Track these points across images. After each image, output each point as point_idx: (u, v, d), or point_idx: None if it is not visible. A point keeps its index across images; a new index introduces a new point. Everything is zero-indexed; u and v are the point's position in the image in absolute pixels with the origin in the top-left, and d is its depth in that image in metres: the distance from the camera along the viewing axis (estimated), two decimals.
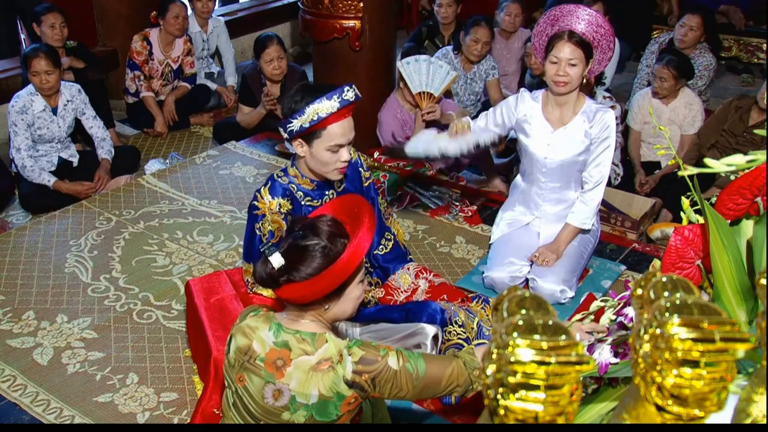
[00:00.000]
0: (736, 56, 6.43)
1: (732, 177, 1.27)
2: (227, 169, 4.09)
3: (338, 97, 2.15)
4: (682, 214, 1.34)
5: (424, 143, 2.84)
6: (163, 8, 4.67)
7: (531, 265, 2.95)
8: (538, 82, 4.01)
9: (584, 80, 2.77)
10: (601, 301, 1.38)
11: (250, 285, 2.42)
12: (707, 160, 1.07)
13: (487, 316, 2.53)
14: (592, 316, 1.42)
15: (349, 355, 1.57)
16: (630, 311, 1.19)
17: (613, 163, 3.76)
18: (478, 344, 2.28)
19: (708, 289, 1.25)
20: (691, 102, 4.07)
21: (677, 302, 0.73)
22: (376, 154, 3.93)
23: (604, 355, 1.18)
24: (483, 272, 3.02)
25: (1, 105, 4.35)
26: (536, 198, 2.99)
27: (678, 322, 0.70)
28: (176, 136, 4.82)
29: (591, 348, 1.22)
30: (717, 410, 0.73)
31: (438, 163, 3.74)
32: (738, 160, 1.05)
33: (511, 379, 0.70)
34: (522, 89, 2.97)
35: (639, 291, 0.83)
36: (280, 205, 2.29)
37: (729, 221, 1.20)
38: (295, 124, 2.15)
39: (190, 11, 5.09)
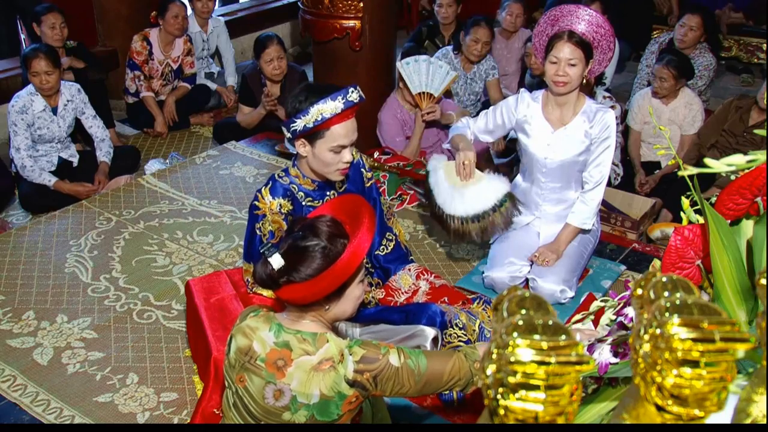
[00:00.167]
0: (736, 56, 6.43)
1: (732, 177, 1.27)
2: (227, 169, 4.09)
3: (343, 98, 2.15)
4: (682, 214, 1.34)
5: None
6: (162, 8, 4.68)
7: (531, 265, 2.95)
8: (538, 82, 4.01)
9: (584, 80, 2.77)
10: (601, 301, 1.38)
11: (250, 285, 2.42)
12: (707, 160, 1.07)
13: (489, 317, 2.52)
14: (592, 316, 1.42)
15: (350, 354, 1.57)
16: (630, 311, 1.19)
17: (613, 163, 3.76)
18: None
19: (708, 289, 1.25)
20: (691, 102, 4.07)
21: (677, 302, 0.73)
22: (376, 154, 3.93)
23: (604, 355, 1.18)
24: (483, 272, 3.02)
25: (1, 105, 4.35)
26: (536, 198, 2.99)
27: (678, 322, 0.70)
28: (176, 136, 4.82)
29: (591, 348, 1.21)
30: (717, 410, 0.73)
31: None
32: (738, 160, 1.05)
33: (511, 379, 0.70)
34: (522, 89, 2.97)
35: (639, 291, 0.83)
36: (280, 205, 2.29)
37: (729, 221, 1.20)
38: (299, 124, 2.15)
39: (190, 11, 5.10)
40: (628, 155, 4.25)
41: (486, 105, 4.51)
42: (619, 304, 1.31)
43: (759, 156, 1.05)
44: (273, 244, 1.64)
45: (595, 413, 1.11)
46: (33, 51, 3.70)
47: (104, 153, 4.05)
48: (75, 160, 4.05)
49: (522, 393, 0.70)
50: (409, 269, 2.67)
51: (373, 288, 2.61)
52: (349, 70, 3.94)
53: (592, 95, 3.47)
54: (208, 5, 5.13)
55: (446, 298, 2.61)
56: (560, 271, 2.86)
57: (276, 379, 1.58)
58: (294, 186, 2.35)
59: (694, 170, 1.06)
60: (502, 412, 0.72)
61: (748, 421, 0.73)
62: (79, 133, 4.17)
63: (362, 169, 2.55)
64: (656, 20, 6.49)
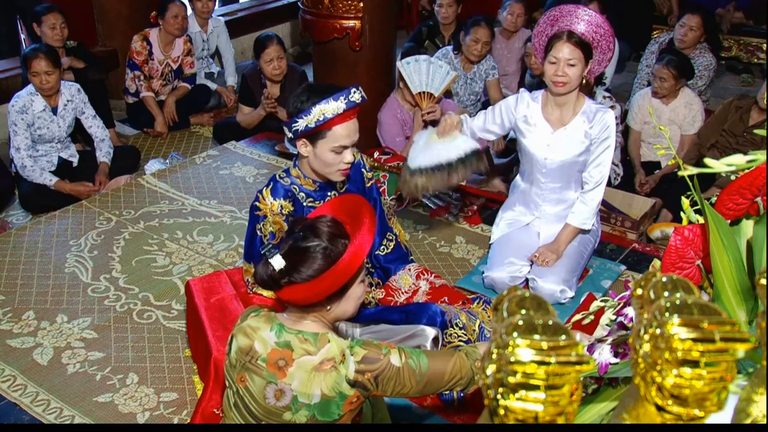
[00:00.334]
0: (736, 56, 6.43)
1: (732, 177, 1.27)
2: (227, 169, 4.09)
3: (345, 99, 2.15)
4: (682, 214, 1.34)
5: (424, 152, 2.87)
6: (162, 8, 4.68)
7: (531, 265, 2.95)
8: (537, 82, 4.01)
9: (584, 81, 2.77)
10: (601, 301, 1.38)
11: (251, 285, 2.42)
12: (707, 160, 1.07)
13: (489, 317, 2.52)
14: (592, 316, 1.42)
15: (352, 354, 1.57)
16: (630, 311, 1.19)
17: (613, 163, 3.76)
18: None
19: (708, 289, 1.25)
20: (691, 102, 4.07)
21: (677, 302, 0.73)
22: (376, 154, 3.93)
23: (604, 355, 1.18)
24: (483, 272, 3.02)
25: (1, 105, 4.35)
26: (536, 198, 2.99)
27: (678, 322, 0.70)
28: (176, 136, 4.82)
29: (591, 348, 1.21)
30: (717, 410, 0.73)
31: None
32: (738, 160, 1.05)
33: (511, 379, 0.70)
34: (521, 89, 2.97)
35: (639, 291, 0.83)
36: (281, 206, 2.29)
37: (729, 221, 1.20)
38: (301, 124, 2.15)
39: (190, 11, 5.10)
40: (628, 155, 4.25)
41: (486, 105, 4.50)
42: (619, 304, 1.30)
43: (759, 156, 1.05)
44: (274, 245, 1.64)
45: (595, 413, 1.11)
46: (33, 51, 3.70)
47: (104, 153, 4.05)
48: (75, 160, 4.05)
49: (522, 393, 0.70)
50: (409, 269, 2.67)
51: (373, 288, 2.61)
52: (349, 70, 3.94)
53: (591, 95, 3.46)
54: (208, 5, 5.13)
55: (446, 298, 2.61)
56: (560, 271, 2.86)
57: (277, 379, 1.58)
58: (295, 187, 2.35)
59: (694, 170, 1.05)
60: (502, 412, 0.72)
61: (748, 421, 0.73)
62: (79, 133, 4.17)
63: (362, 170, 2.55)
64: (656, 20, 6.49)
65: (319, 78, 4.26)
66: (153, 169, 4.16)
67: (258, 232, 2.31)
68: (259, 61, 4.39)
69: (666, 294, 0.76)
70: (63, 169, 3.96)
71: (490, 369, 0.73)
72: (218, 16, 5.64)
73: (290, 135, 2.22)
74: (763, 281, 0.76)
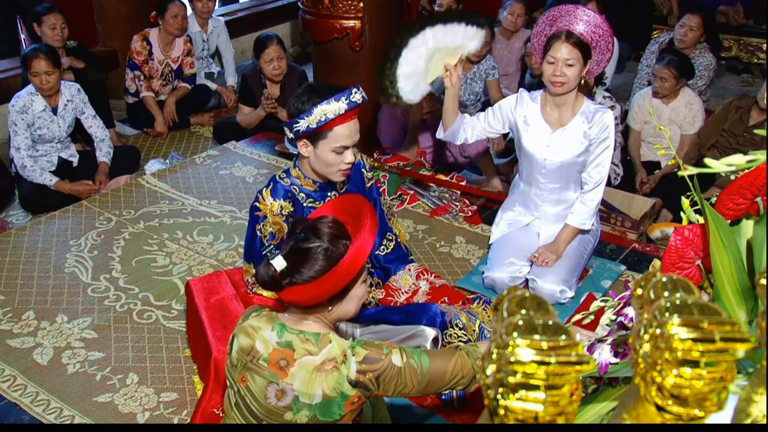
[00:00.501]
0: (736, 56, 6.43)
1: (732, 177, 1.27)
2: (227, 169, 4.09)
3: (346, 99, 2.15)
4: (682, 214, 1.34)
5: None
6: (162, 8, 4.68)
7: (531, 266, 2.94)
8: (537, 82, 4.01)
9: (582, 81, 2.77)
10: (601, 301, 1.38)
11: (250, 285, 2.42)
12: (707, 160, 1.07)
13: (489, 317, 2.52)
14: (592, 316, 1.42)
15: (353, 355, 1.57)
16: (630, 311, 1.19)
17: (613, 163, 3.76)
18: None
19: (708, 289, 1.25)
20: (691, 102, 4.07)
21: (677, 302, 0.73)
22: (375, 154, 3.93)
23: (604, 355, 1.18)
24: (483, 272, 3.02)
25: (1, 105, 4.35)
26: (536, 199, 2.99)
27: (678, 322, 0.70)
28: (176, 136, 4.82)
29: (591, 348, 1.21)
30: (717, 410, 0.73)
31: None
32: (738, 160, 1.05)
33: (511, 379, 0.70)
34: (521, 89, 2.97)
35: (639, 291, 0.83)
36: (281, 207, 2.29)
37: (729, 221, 1.20)
38: (302, 125, 2.15)
39: (190, 11, 5.10)
40: (628, 155, 4.26)
41: (486, 105, 4.50)
42: (619, 304, 1.31)
43: (759, 156, 1.05)
44: (275, 246, 1.64)
45: (595, 413, 1.11)
46: (33, 51, 3.70)
47: (104, 153, 4.05)
48: (75, 160, 4.05)
49: (522, 393, 0.70)
50: (409, 269, 2.67)
51: (373, 288, 2.61)
52: (349, 70, 3.94)
53: (591, 96, 3.46)
54: (208, 5, 5.13)
55: (446, 298, 2.61)
56: (560, 272, 2.86)
57: (278, 379, 1.58)
58: (295, 187, 2.35)
59: (694, 170, 1.06)
60: (502, 412, 0.72)
61: (748, 421, 0.73)
62: (79, 133, 4.17)
63: (362, 170, 2.55)
64: (656, 20, 6.49)
65: (319, 78, 4.26)
66: (153, 169, 4.16)
67: (258, 233, 2.31)
68: (259, 61, 4.39)
69: (666, 294, 0.76)
70: (63, 169, 3.96)
71: (490, 369, 0.73)
72: (218, 16, 5.64)
73: (291, 135, 2.22)
74: (763, 281, 0.76)
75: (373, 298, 2.58)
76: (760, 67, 6.25)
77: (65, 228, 3.47)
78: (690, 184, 1.23)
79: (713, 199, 1.22)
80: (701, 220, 1.25)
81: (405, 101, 2.90)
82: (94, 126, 4.05)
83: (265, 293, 2.36)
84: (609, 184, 3.64)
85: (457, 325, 2.41)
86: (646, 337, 0.73)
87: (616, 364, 1.16)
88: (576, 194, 2.92)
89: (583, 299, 2.91)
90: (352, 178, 2.48)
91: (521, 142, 2.91)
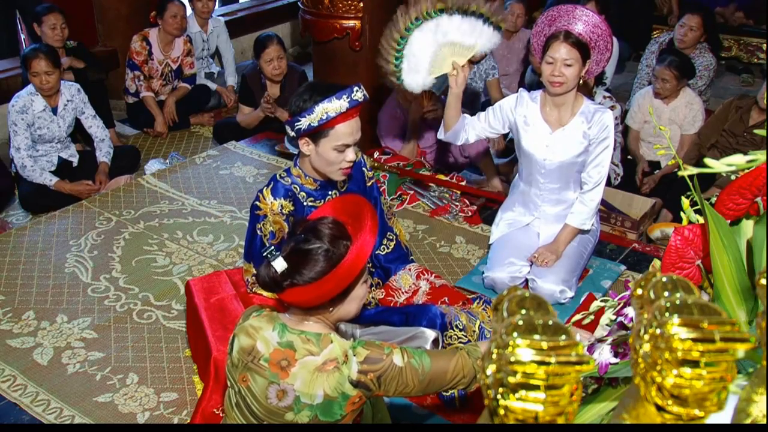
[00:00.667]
0: (736, 56, 6.43)
1: (732, 177, 1.27)
2: (227, 169, 4.09)
3: (347, 97, 2.15)
4: (682, 214, 1.34)
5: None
6: (161, 8, 4.68)
7: (531, 266, 2.94)
8: (538, 82, 4.01)
9: (582, 81, 2.76)
10: (601, 301, 1.38)
11: (250, 285, 2.42)
12: (707, 160, 1.07)
13: (489, 317, 2.52)
14: (592, 316, 1.42)
15: (354, 355, 1.57)
16: (630, 311, 1.19)
17: (613, 163, 3.76)
18: None
19: (708, 289, 1.25)
20: (691, 102, 4.08)
21: (677, 302, 0.73)
22: (376, 154, 3.93)
23: (604, 355, 1.18)
24: (483, 272, 3.02)
25: (1, 105, 4.35)
26: (535, 199, 2.99)
27: (678, 322, 0.70)
28: (176, 136, 4.82)
29: (591, 348, 1.21)
30: (717, 410, 0.73)
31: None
32: (738, 160, 1.05)
33: (511, 379, 0.70)
34: (521, 89, 2.97)
35: (639, 291, 0.83)
36: (282, 206, 2.29)
37: (729, 221, 1.20)
38: (303, 123, 2.15)
39: (189, 11, 5.10)
40: (628, 155, 4.26)
41: (486, 105, 4.51)
42: (619, 304, 1.30)
43: (759, 156, 1.05)
44: (276, 247, 1.64)
45: (595, 413, 1.11)
46: (33, 51, 3.70)
47: (104, 153, 4.05)
48: (75, 160, 4.05)
49: (522, 393, 0.70)
50: (410, 269, 2.67)
51: (373, 288, 2.61)
52: (349, 70, 3.94)
53: (591, 96, 3.46)
54: (208, 5, 5.13)
55: (446, 298, 2.61)
56: (560, 272, 2.86)
57: (279, 379, 1.58)
58: (296, 186, 2.35)
59: (694, 170, 1.06)
60: (502, 412, 0.72)
61: (748, 421, 0.73)
62: (79, 133, 4.17)
63: (363, 168, 2.55)
64: (656, 20, 6.49)
65: (319, 78, 4.26)
66: (153, 169, 4.16)
67: (258, 232, 2.31)
68: (259, 61, 4.39)
69: (666, 294, 0.76)
70: (63, 169, 3.96)
71: (490, 369, 0.73)
72: (218, 16, 5.64)
73: (292, 134, 2.22)
74: (763, 281, 0.76)
75: (373, 298, 2.58)
76: (760, 67, 6.25)
77: (65, 228, 3.47)
78: (690, 184, 1.23)
79: (713, 199, 1.22)
80: (701, 220, 1.25)
81: (404, 85, 2.88)
82: (94, 126, 4.05)
83: (265, 293, 2.36)
84: (609, 184, 3.64)
85: (457, 327, 2.41)
86: (646, 337, 0.73)
87: (616, 364, 1.16)
88: (576, 194, 2.92)
89: (583, 299, 2.91)
90: (353, 176, 2.48)
91: (521, 142, 2.91)
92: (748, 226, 1.22)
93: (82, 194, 3.82)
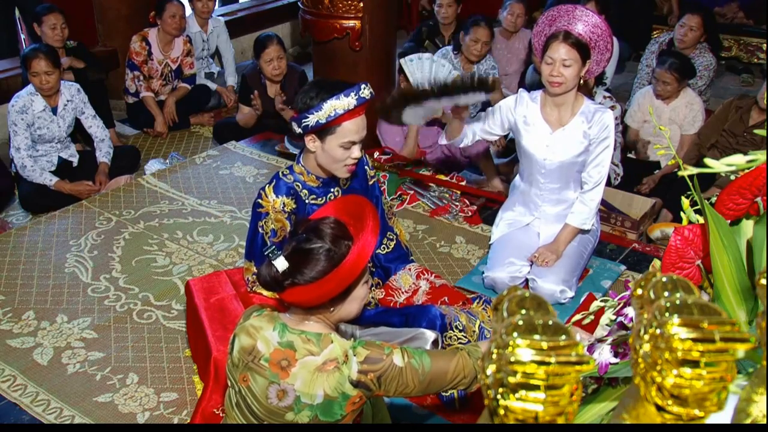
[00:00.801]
0: (736, 56, 6.42)
1: (732, 177, 1.27)
2: (227, 169, 4.09)
3: (355, 95, 2.16)
4: (682, 214, 1.34)
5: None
6: (160, 8, 4.68)
7: (531, 266, 2.94)
8: (539, 81, 4.01)
9: (582, 81, 2.76)
10: (601, 301, 1.38)
11: (251, 284, 2.42)
12: (707, 160, 1.07)
13: (489, 317, 2.52)
14: (592, 316, 1.42)
15: (354, 355, 1.57)
16: (630, 311, 1.19)
17: (613, 163, 3.76)
18: None
19: (708, 289, 1.25)
20: (691, 102, 4.08)
21: (677, 302, 0.73)
22: (376, 154, 3.93)
23: (604, 355, 1.18)
24: (483, 272, 3.02)
25: (1, 105, 4.35)
26: (536, 199, 2.99)
27: (678, 322, 0.70)
28: (176, 136, 4.82)
29: (591, 348, 1.21)
30: (717, 410, 0.73)
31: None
32: (738, 160, 1.05)
33: (511, 379, 0.70)
34: (520, 90, 2.97)
35: (639, 291, 0.83)
36: (284, 204, 2.30)
37: (729, 221, 1.20)
38: (311, 120, 2.15)
39: (189, 11, 5.09)
40: (628, 154, 4.26)
41: (486, 105, 4.51)
42: (619, 304, 1.30)
43: (759, 156, 1.05)
44: (277, 246, 1.64)
45: (595, 413, 1.11)
46: (33, 51, 3.70)
47: (104, 153, 4.05)
48: (75, 160, 4.05)
49: (522, 393, 0.70)
50: (410, 269, 2.67)
51: (373, 288, 2.61)
52: (349, 70, 3.94)
53: (591, 96, 3.46)
54: (208, 5, 5.13)
55: (446, 298, 2.61)
56: (560, 272, 2.86)
57: (280, 379, 1.58)
58: (298, 183, 2.35)
59: (694, 170, 1.06)
60: (502, 412, 0.72)
61: (748, 421, 0.73)
62: (79, 133, 4.17)
63: (365, 167, 2.56)
64: (656, 20, 6.49)
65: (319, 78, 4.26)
66: (153, 169, 4.16)
67: (260, 230, 2.31)
68: (259, 61, 4.40)
69: (666, 294, 0.76)
70: (63, 169, 3.96)
71: (490, 369, 0.73)
72: (218, 16, 5.64)
73: (299, 131, 2.21)
74: (763, 281, 0.76)
75: (373, 297, 2.58)
76: (760, 67, 6.24)
77: (65, 228, 3.47)
78: (690, 184, 1.23)
79: (713, 199, 1.22)
80: (701, 220, 1.25)
81: (405, 123, 2.90)
82: (94, 126, 4.05)
83: (266, 293, 2.36)
84: (609, 184, 3.64)
85: (456, 327, 2.41)
86: (646, 337, 0.73)
87: (616, 364, 1.16)
88: (576, 194, 2.92)
89: (583, 299, 2.91)
90: (356, 174, 2.48)
91: (521, 142, 2.91)
92: (748, 226, 1.22)
93: (82, 194, 3.82)
